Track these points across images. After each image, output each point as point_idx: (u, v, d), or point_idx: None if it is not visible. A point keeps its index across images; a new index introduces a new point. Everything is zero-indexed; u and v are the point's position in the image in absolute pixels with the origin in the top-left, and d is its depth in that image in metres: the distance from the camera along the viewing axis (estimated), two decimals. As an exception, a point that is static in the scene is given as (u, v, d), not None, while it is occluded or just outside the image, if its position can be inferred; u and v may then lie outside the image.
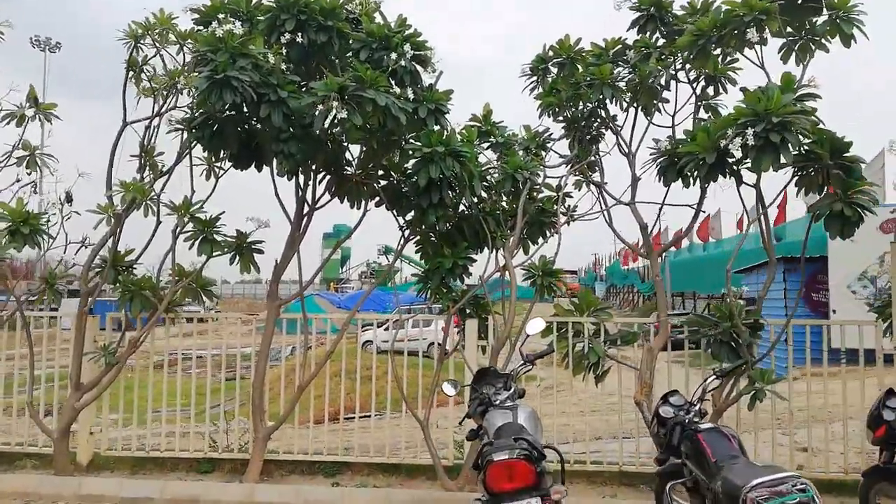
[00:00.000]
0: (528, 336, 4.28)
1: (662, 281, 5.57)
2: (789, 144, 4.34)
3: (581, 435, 6.77)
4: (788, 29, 5.15)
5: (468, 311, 5.80)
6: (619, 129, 6.27)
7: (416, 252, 5.93)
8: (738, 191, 5.07)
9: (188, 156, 5.43)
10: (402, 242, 5.76)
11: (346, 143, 5.51)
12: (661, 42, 5.99)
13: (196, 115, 5.09)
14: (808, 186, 4.83)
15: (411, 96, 4.99)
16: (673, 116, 6.05)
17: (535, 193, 5.91)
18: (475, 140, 5.46)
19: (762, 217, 5.19)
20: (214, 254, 5.33)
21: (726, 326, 4.98)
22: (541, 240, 6.07)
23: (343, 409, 6.89)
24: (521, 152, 6.09)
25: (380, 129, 5.03)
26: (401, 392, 5.66)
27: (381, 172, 5.65)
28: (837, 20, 4.92)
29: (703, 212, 5.77)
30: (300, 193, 5.56)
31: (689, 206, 5.74)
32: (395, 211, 5.62)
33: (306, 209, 5.65)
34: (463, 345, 5.71)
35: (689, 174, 5.15)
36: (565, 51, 6.22)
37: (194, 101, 4.91)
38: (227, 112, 4.96)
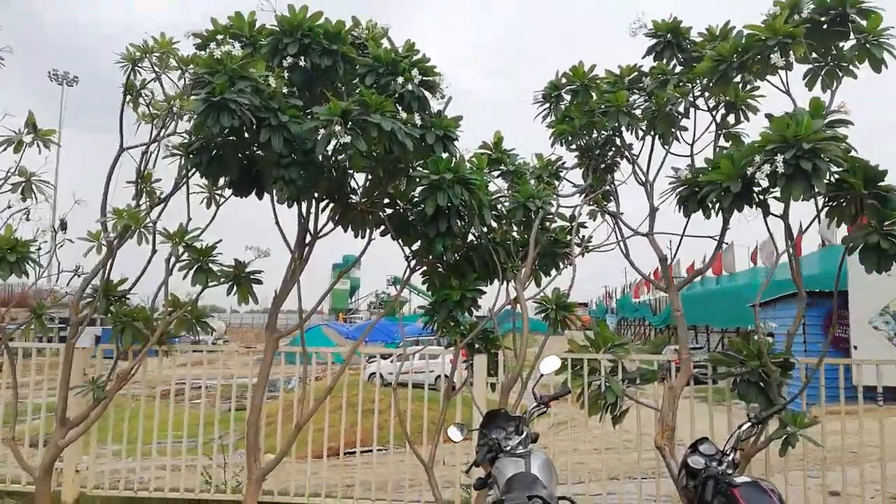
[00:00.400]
0: (541, 375, 3.97)
1: (683, 316, 5.26)
2: (821, 172, 4.07)
3: (596, 474, 6.40)
4: (814, 55, 4.94)
5: (477, 345, 5.51)
6: (636, 157, 6.03)
7: (423, 283, 5.67)
8: (766, 221, 4.79)
9: (185, 183, 5.22)
10: (407, 273, 5.50)
11: (350, 171, 5.30)
12: (678, 69, 5.79)
13: (194, 140, 4.90)
14: (841, 217, 4.55)
15: (419, 122, 4.77)
16: (692, 145, 5.81)
17: (547, 223, 5.65)
18: (485, 168, 5.21)
19: (790, 249, 4.89)
20: (210, 284, 5.09)
21: (754, 365, 4.65)
22: (553, 272, 5.80)
23: (343, 444, 6.56)
24: (532, 181, 5.86)
25: (385, 156, 4.82)
26: (403, 430, 5.34)
27: (386, 200, 5.42)
28: (867, 44, 4.68)
29: (726, 243, 5.49)
30: (302, 221, 5.32)
31: (710, 237, 5.46)
32: (401, 240, 5.37)
33: (308, 238, 5.41)
34: (471, 381, 5.40)
35: (710, 204, 4.88)
36: (579, 77, 6.02)
37: (192, 125, 4.71)
38: (226, 137, 4.76)
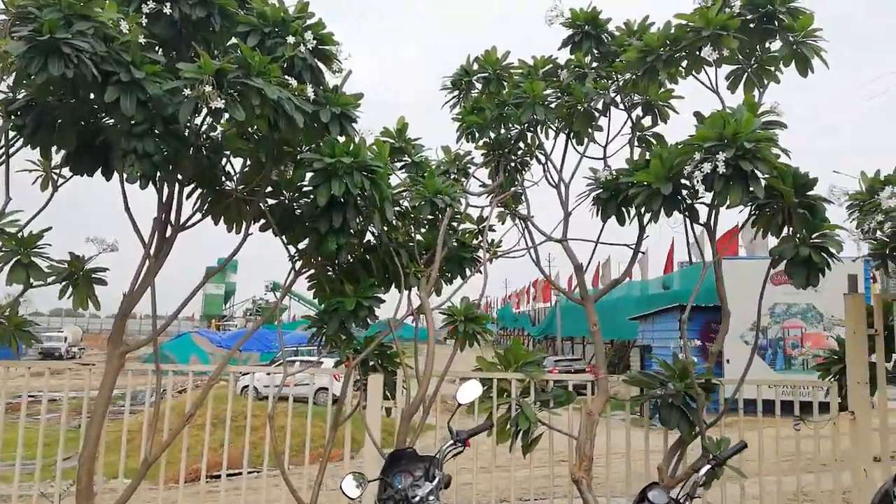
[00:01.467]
0: (459, 406, 3.28)
1: (599, 330, 4.80)
2: (760, 175, 3.72)
3: (486, 496, 5.75)
4: (739, 56, 4.66)
5: (372, 362, 4.75)
6: (548, 156, 5.55)
7: (310, 289, 4.83)
8: (692, 229, 4.43)
9: (6, 153, 4.08)
10: (291, 276, 4.66)
11: (225, 151, 4.40)
12: (595, 64, 5.39)
13: (16, 97, 3.81)
14: (767, 227, 4.24)
15: (311, 96, 3.97)
16: (605, 147, 5.42)
17: (455, 224, 5.02)
18: (387, 157, 4.50)
19: (714, 259, 4.55)
20: (34, 284, 3.99)
21: (679, 387, 4.24)
22: (458, 279, 5.17)
23: (206, 467, 5.53)
24: (439, 177, 5.22)
25: (269, 135, 3.98)
26: (276, 454, 4.49)
27: (269, 189, 4.55)
28: (795, 45, 4.45)
29: (643, 252, 5.11)
30: (161, 210, 4.33)
31: (627, 245, 5.07)
32: (284, 237, 4.52)
33: (169, 231, 4.42)
34: (364, 405, 4.64)
35: (635, 208, 4.46)
36: (491, 64, 5.46)
37: (8, 74, 3.61)
38: (61, 95, 3.73)
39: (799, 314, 14.48)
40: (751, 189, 3.72)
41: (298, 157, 4.27)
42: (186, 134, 3.95)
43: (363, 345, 4.59)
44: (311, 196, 4.11)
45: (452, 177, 5.26)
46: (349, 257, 4.66)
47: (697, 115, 4.18)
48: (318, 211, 4.11)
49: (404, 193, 4.73)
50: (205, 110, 3.57)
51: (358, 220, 4.24)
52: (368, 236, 4.66)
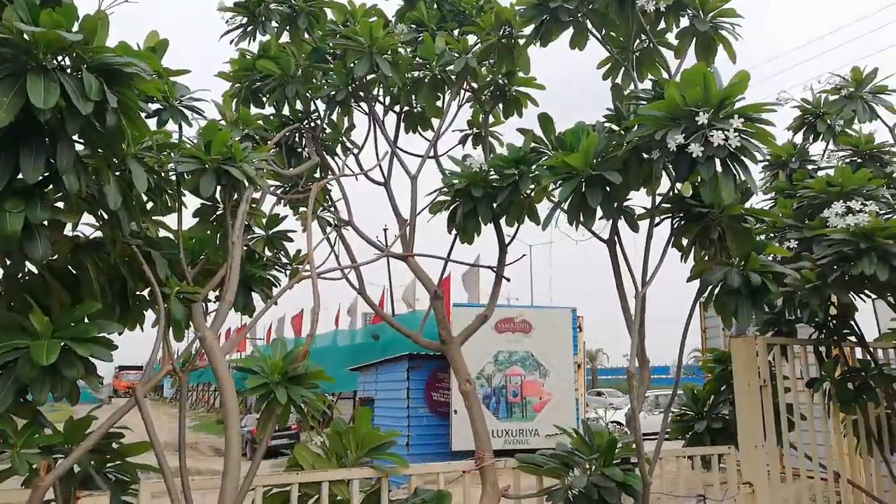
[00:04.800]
0: None
1: (472, 389, 3.22)
2: (756, 159, 2.63)
3: None
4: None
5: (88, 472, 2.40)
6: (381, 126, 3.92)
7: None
8: (617, 240, 3.17)
9: None
10: None
11: None
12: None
13: None
14: (700, 246, 3.21)
15: None
16: (438, 132, 3.99)
17: (252, 220, 3.02)
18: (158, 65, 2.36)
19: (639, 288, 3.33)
20: None
21: (594, 474, 2.83)
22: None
23: None
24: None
25: None
26: None
27: None
28: (699, 27, 3.60)
29: (507, 279, 3.69)
30: None
31: (490, 267, 3.64)
32: None
33: None
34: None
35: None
36: (299, -8, 3.66)
37: None
38: None
39: (518, 362, 14.70)
40: (742, 179, 2.59)
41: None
42: None
43: (64, 438, 2.26)
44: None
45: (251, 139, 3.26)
46: (45, 262, 2.34)
47: (656, 82, 3.02)
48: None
49: (166, 153, 2.60)
50: None
51: (78, 179, 2.03)
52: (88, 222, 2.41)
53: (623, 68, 3.71)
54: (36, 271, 2.45)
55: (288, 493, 2.54)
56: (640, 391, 3.12)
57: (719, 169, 2.53)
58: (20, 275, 2.40)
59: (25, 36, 1.81)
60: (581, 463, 2.90)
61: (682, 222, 3.21)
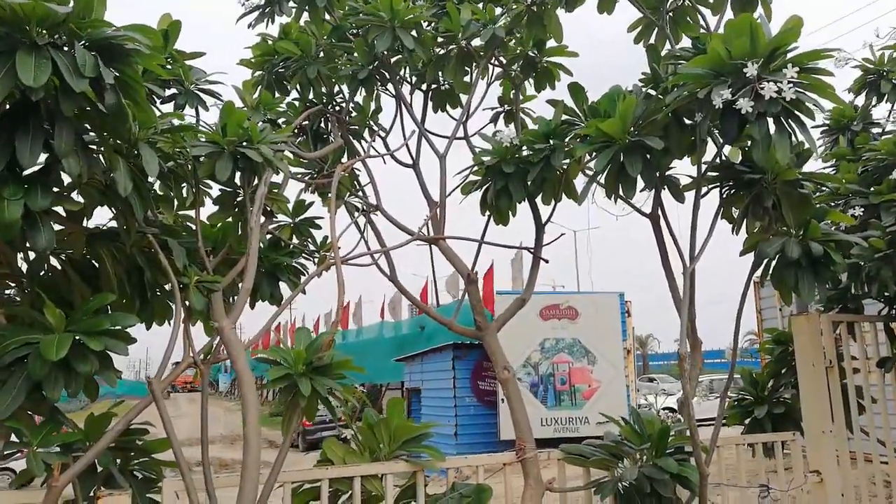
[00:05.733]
0: None
1: (511, 378, 3.05)
2: (812, 116, 2.37)
3: None
4: None
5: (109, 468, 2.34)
6: (408, 107, 3.77)
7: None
8: (662, 213, 2.95)
9: None
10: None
11: None
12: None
13: None
14: (753, 216, 2.96)
15: None
16: (468, 112, 3.81)
17: (274, 206, 2.90)
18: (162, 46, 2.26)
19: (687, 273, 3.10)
20: None
21: (646, 465, 2.63)
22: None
23: None
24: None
25: None
26: None
27: None
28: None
29: (546, 258, 3.51)
30: None
31: (527, 249, 3.46)
32: None
33: None
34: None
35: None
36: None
37: None
38: None
39: (566, 349, 14.42)
40: (799, 139, 2.34)
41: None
42: None
43: (84, 435, 2.19)
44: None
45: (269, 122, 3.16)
46: (60, 256, 2.28)
47: (696, 38, 2.77)
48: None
49: (181, 136, 2.50)
50: None
51: (80, 164, 1.94)
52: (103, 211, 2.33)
53: (656, 28, 3.47)
54: (59, 266, 2.41)
55: (318, 490, 2.43)
56: (693, 374, 2.89)
57: (772, 128, 2.28)
58: (42, 272, 2.34)
59: (16, 10, 1.72)
60: (631, 453, 2.71)
61: (732, 191, 2.97)
